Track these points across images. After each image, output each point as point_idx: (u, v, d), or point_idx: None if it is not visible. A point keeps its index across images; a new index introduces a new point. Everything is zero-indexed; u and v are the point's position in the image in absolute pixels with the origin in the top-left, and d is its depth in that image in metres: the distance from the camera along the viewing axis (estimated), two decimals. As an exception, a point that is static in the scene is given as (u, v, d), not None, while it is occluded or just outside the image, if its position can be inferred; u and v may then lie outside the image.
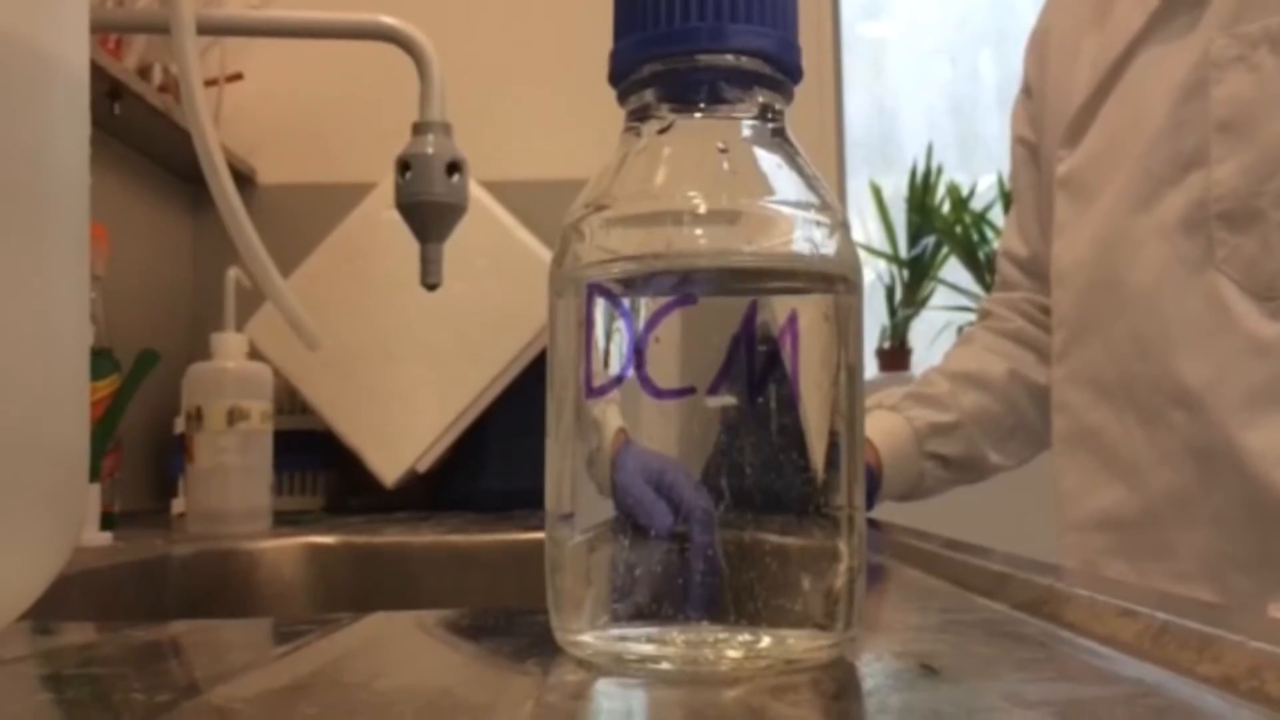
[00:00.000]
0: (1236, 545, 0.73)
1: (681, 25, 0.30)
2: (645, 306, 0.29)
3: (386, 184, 0.97)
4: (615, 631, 0.29)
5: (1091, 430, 0.82)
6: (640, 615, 0.28)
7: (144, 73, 1.18)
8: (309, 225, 1.20)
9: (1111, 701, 0.26)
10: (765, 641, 0.28)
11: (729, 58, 0.30)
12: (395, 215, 0.85)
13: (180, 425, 1.00)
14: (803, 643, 0.28)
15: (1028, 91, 0.98)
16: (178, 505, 1.04)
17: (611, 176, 0.31)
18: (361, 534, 0.88)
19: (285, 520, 0.97)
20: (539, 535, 0.31)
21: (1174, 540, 0.76)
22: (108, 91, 1.07)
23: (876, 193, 1.88)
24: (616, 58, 0.32)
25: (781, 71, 0.31)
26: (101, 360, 0.81)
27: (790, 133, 0.32)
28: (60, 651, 0.35)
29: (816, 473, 0.29)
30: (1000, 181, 1.79)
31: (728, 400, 0.28)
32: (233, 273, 0.96)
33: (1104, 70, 0.83)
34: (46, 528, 0.26)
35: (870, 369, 1.72)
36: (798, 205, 0.30)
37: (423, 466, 1.12)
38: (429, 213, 0.84)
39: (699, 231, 0.30)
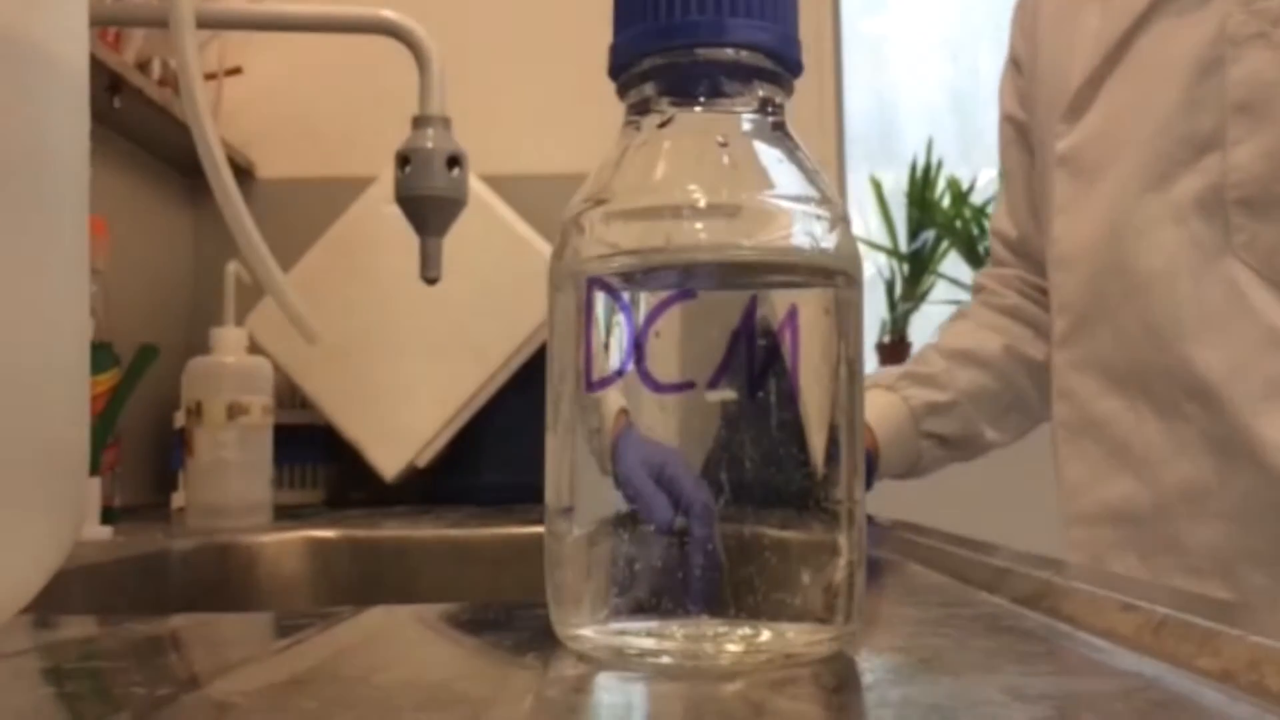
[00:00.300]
0: (1253, 540, 0.71)
1: (681, 19, 0.30)
2: (645, 301, 0.29)
3: (386, 178, 0.97)
4: (615, 626, 0.29)
5: (1099, 420, 0.80)
6: (640, 609, 0.28)
7: (143, 66, 1.18)
8: (309, 219, 1.20)
9: (1111, 696, 0.26)
10: (765, 635, 0.28)
11: (729, 52, 0.30)
12: (395, 209, 0.85)
13: (180, 420, 1.00)
14: (803, 637, 0.29)
15: (1016, 65, 0.94)
16: (178, 499, 1.04)
17: (611, 171, 0.31)
18: (361, 528, 0.88)
19: (285, 514, 0.97)
20: (539, 529, 0.31)
21: (1187, 534, 0.74)
22: (107, 85, 1.07)
23: (877, 187, 1.88)
24: (616, 51, 0.32)
25: (782, 66, 0.31)
26: (101, 354, 0.81)
27: (790, 127, 0.32)
28: (61, 645, 0.35)
29: (816, 467, 0.29)
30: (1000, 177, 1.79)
31: (727, 395, 0.28)
32: (232, 267, 0.96)
33: (1110, 43, 0.79)
34: (46, 522, 0.26)
35: (870, 363, 1.72)
36: (798, 199, 0.30)
37: (423, 461, 1.12)
38: (429, 207, 0.84)
39: (699, 226, 0.30)
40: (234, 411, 0.90)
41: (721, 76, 0.31)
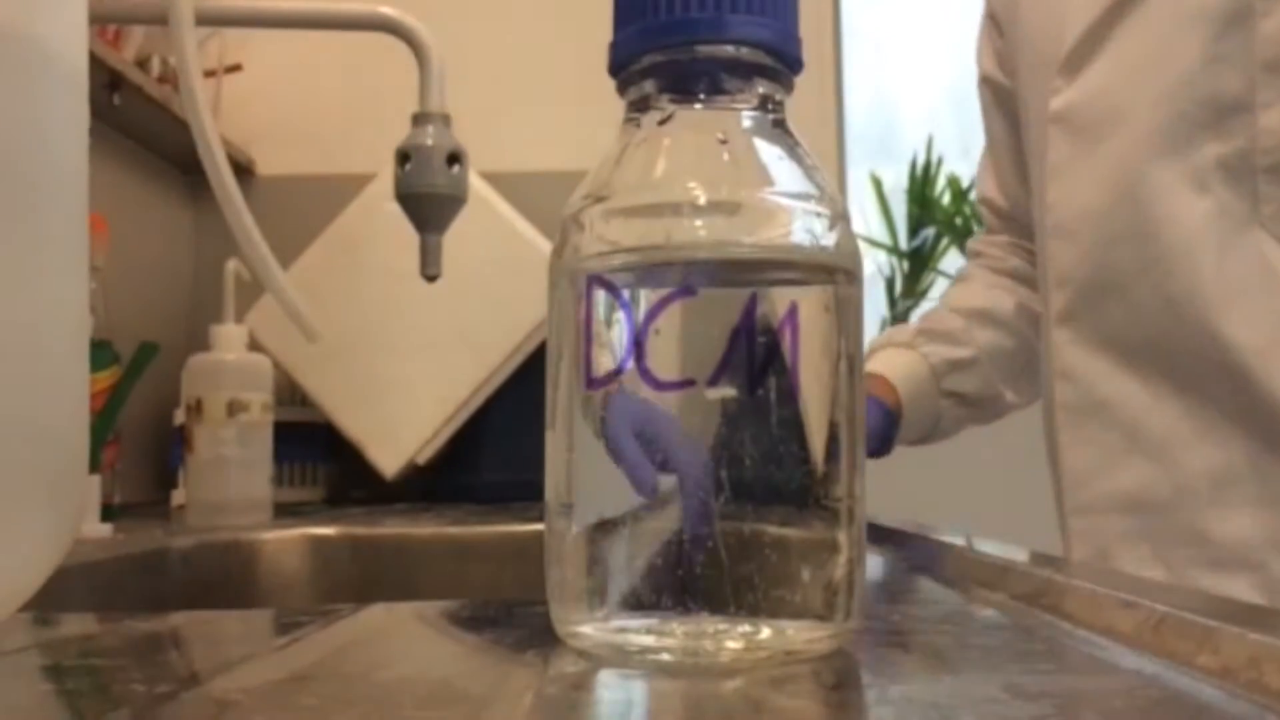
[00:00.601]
0: None
1: (682, 15, 0.30)
2: (645, 298, 0.29)
3: (386, 175, 0.97)
4: (615, 623, 0.29)
5: (1107, 402, 0.73)
6: (640, 606, 0.28)
7: (143, 64, 1.18)
8: (308, 216, 1.20)
9: (1111, 693, 0.26)
10: (765, 633, 0.28)
11: (729, 49, 0.30)
12: (395, 206, 0.85)
13: (180, 417, 1.00)
14: (802, 634, 0.29)
15: (993, 22, 0.88)
16: (178, 497, 1.04)
17: (611, 168, 0.31)
18: (361, 525, 0.88)
19: (285, 512, 0.97)
20: (539, 527, 0.31)
21: (1210, 524, 0.68)
22: (107, 82, 1.07)
23: (877, 184, 1.88)
24: (616, 48, 0.32)
25: (782, 62, 0.31)
26: (101, 352, 0.81)
27: (790, 124, 0.32)
28: (60, 642, 0.35)
29: (816, 464, 0.29)
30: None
31: (727, 392, 0.28)
32: (232, 264, 0.96)
33: None
34: (46, 519, 0.26)
35: (870, 361, 1.71)
36: (798, 197, 0.30)
37: (423, 458, 1.12)
38: (428, 204, 0.84)
39: (699, 223, 0.30)
40: (234, 409, 0.90)
41: (721, 73, 0.31)
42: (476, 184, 1.05)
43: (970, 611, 0.38)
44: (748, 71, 0.31)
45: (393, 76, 0.97)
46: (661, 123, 0.31)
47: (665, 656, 0.28)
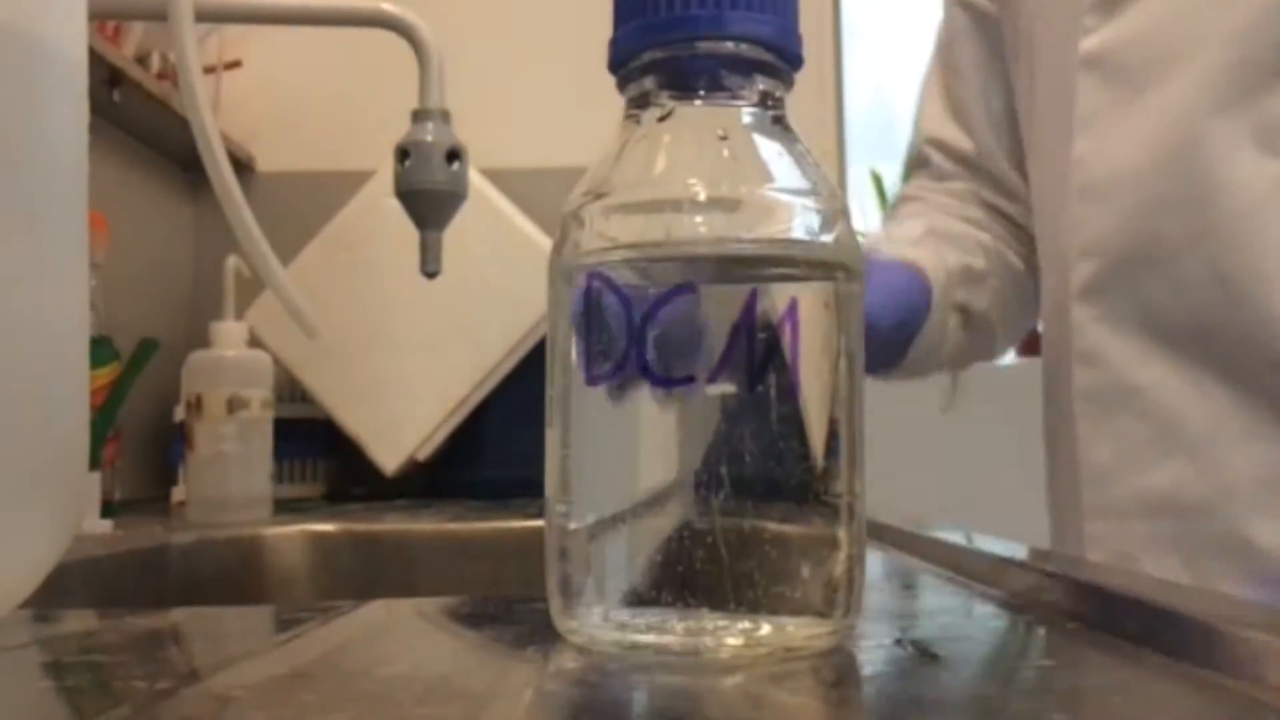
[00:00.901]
0: None
1: (682, 12, 0.30)
2: (645, 294, 0.29)
3: (386, 172, 0.97)
4: (615, 619, 0.29)
5: (1139, 389, 0.63)
6: (640, 603, 0.28)
7: (142, 60, 1.18)
8: (308, 213, 1.20)
9: (1110, 690, 0.26)
10: (765, 629, 0.28)
11: (729, 45, 0.30)
12: (395, 203, 0.85)
13: (180, 413, 1.00)
14: (802, 630, 0.29)
15: None
16: (178, 493, 1.05)
17: (611, 164, 0.31)
18: (361, 522, 0.88)
19: (285, 508, 0.97)
20: (539, 523, 0.31)
21: (1254, 532, 0.60)
22: (106, 79, 1.07)
23: (877, 181, 1.88)
24: (616, 45, 0.32)
25: (782, 59, 0.31)
26: (101, 348, 0.81)
27: (790, 121, 0.32)
28: (61, 639, 0.35)
29: (816, 460, 0.29)
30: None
31: (727, 389, 0.28)
32: (232, 261, 0.96)
33: None
34: (46, 515, 0.26)
35: (870, 357, 1.71)
36: (798, 193, 0.30)
37: (423, 455, 1.12)
38: (428, 200, 0.84)
39: (699, 219, 0.30)
40: (234, 405, 0.90)
41: (721, 70, 0.31)
42: (476, 180, 1.05)
43: (970, 608, 0.38)
44: (748, 68, 0.31)
45: (392, 73, 0.97)
46: (661, 119, 0.31)
47: (665, 653, 0.28)
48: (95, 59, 1.02)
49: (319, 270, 1.13)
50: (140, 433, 1.16)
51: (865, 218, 1.90)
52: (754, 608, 0.28)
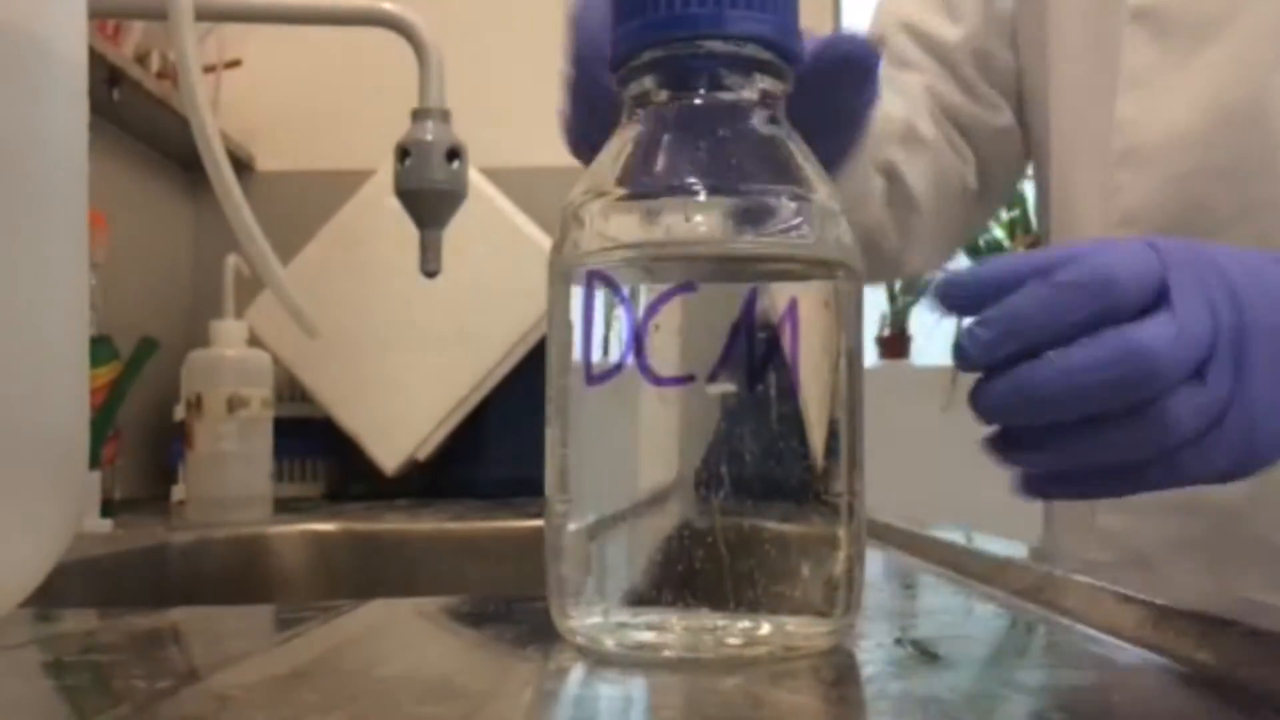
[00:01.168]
0: None
1: (682, 11, 0.30)
2: (645, 293, 0.29)
3: (385, 171, 0.97)
4: (615, 619, 0.29)
5: None
6: (640, 602, 0.28)
7: (142, 59, 1.18)
8: (308, 212, 1.20)
9: (1109, 688, 0.26)
10: (765, 628, 0.28)
11: (729, 44, 0.30)
12: (394, 202, 0.85)
13: (180, 412, 1.00)
14: (802, 629, 0.29)
15: None
16: (178, 492, 1.04)
17: (611, 163, 0.31)
18: (361, 521, 0.88)
19: (285, 507, 0.97)
20: (539, 522, 0.31)
21: None
22: (106, 78, 1.07)
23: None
24: (616, 44, 0.32)
25: (782, 58, 0.31)
26: (101, 347, 0.81)
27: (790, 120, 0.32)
28: (61, 638, 0.35)
29: (816, 460, 0.29)
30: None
31: (727, 388, 0.28)
32: (232, 260, 0.96)
33: None
34: (47, 515, 0.26)
35: (870, 356, 1.72)
36: (798, 192, 0.30)
37: (423, 454, 1.12)
38: (428, 200, 0.84)
39: (699, 219, 0.30)
40: (234, 404, 0.90)
41: (722, 69, 0.31)
42: (476, 179, 1.05)
43: (969, 607, 0.38)
44: (748, 67, 0.31)
45: (392, 72, 0.97)
46: (662, 118, 0.31)
47: (665, 652, 0.28)
48: (95, 59, 1.02)
49: (319, 269, 1.13)
50: (140, 432, 1.16)
51: (865, 217, 1.90)
52: (754, 607, 0.28)
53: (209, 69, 1.32)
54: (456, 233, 0.87)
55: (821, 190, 0.30)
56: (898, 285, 1.80)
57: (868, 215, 0.65)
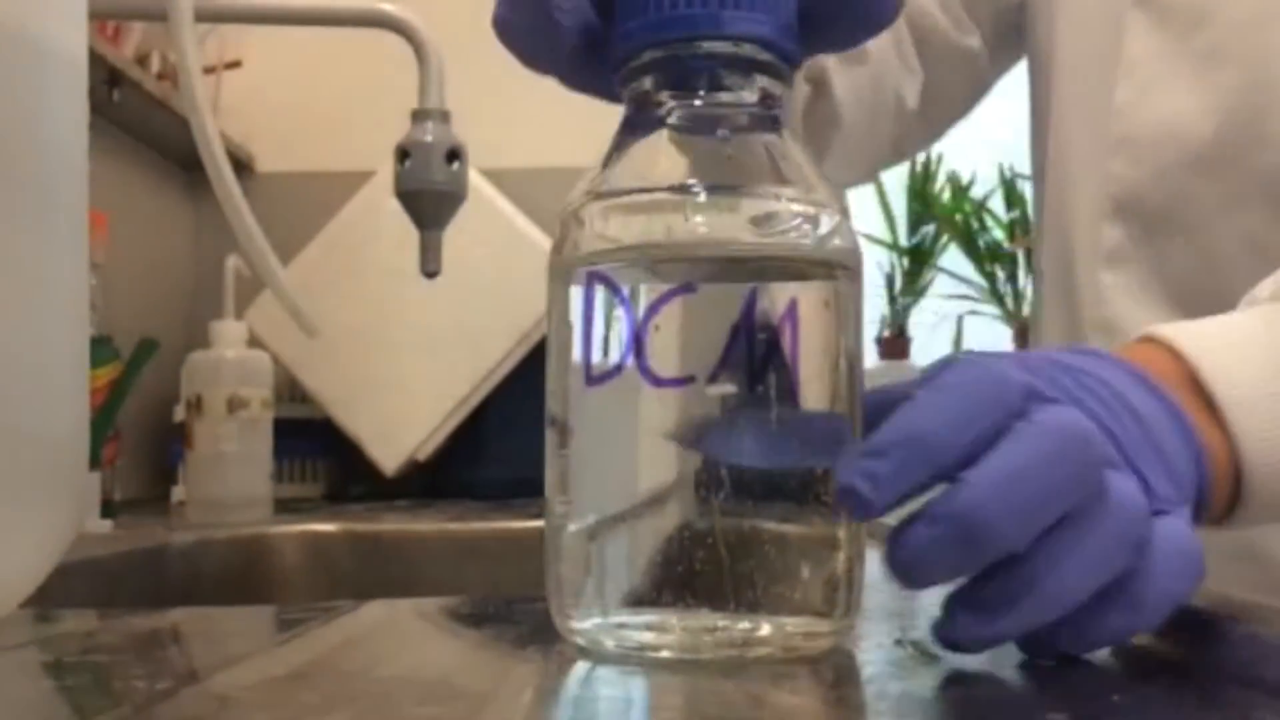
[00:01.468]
0: None
1: (681, 11, 0.30)
2: (645, 294, 0.29)
3: (386, 172, 0.97)
4: (615, 619, 0.29)
5: None
6: (640, 603, 0.28)
7: (142, 60, 1.18)
8: (308, 213, 1.20)
9: (1109, 689, 0.26)
10: (765, 629, 0.28)
11: (728, 44, 0.30)
12: (394, 203, 0.85)
13: (180, 413, 1.00)
14: (802, 630, 0.29)
15: None
16: (178, 493, 1.04)
17: (611, 164, 0.31)
18: (361, 522, 0.88)
19: (285, 508, 0.97)
20: (539, 523, 0.31)
21: (1271, 542, 0.55)
22: (106, 79, 1.07)
23: (876, 180, 1.88)
24: (616, 44, 0.32)
25: (781, 58, 0.31)
26: (101, 348, 0.81)
27: (790, 120, 0.32)
28: (61, 639, 0.35)
29: (816, 461, 0.29)
30: (1001, 170, 1.79)
31: (728, 389, 0.28)
32: (232, 261, 0.96)
33: None
34: (47, 515, 0.26)
35: (870, 357, 1.71)
36: (798, 192, 0.30)
37: (423, 455, 1.12)
38: (428, 201, 0.84)
39: (699, 219, 0.30)
40: (234, 405, 0.90)
41: (721, 69, 0.31)
42: (476, 180, 1.05)
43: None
44: (747, 67, 0.31)
45: (392, 73, 0.97)
46: (661, 119, 0.31)
47: (665, 653, 0.28)
48: (95, 59, 1.02)
49: (319, 270, 1.13)
50: (140, 433, 1.16)
51: (865, 217, 1.91)
52: (754, 608, 0.28)
53: (209, 70, 1.32)
54: (456, 234, 0.87)
55: (821, 191, 0.30)
56: (897, 286, 1.80)
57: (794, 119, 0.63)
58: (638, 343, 0.29)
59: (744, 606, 0.28)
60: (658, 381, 0.28)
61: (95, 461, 0.78)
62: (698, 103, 0.31)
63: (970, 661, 0.28)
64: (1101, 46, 0.62)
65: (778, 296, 0.29)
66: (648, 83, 0.31)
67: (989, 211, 1.81)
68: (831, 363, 0.29)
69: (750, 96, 0.31)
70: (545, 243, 0.85)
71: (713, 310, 0.29)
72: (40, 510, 0.26)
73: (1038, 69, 0.70)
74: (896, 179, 1.88)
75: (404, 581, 0.84)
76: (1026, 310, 1.68)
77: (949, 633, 0.28)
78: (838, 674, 0.28)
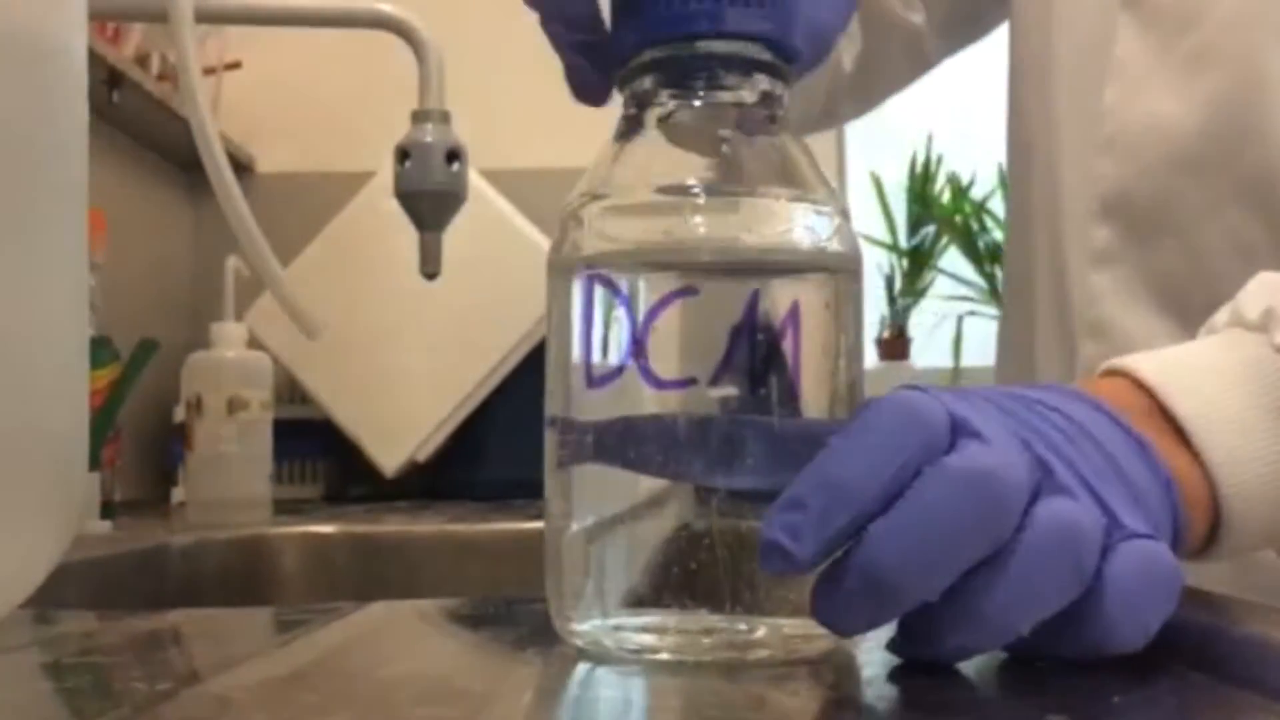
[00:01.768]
0: None
1: (681, 10, 0.30)
2: (645, 296, 0.29)
3: (385, 173, 0.97)
4: (614, 621, 0.29)
5: None
6: (639, 604, 0.28)
7: (142, 61, 1.18)
8: (308, 214, 1.20)
9: (1109, 689, 0.26)
10: (763, 630, 0.28)
11: (729, 43, 0.30)
12: (394, 204, 0.85)
13: (180, 414, 1.00)
14: (801, 631, 0.28)
15: None
16: (177, 494, 1.05)
17: (611, 164, 0.31)
18: (361, 523, 0.88)
19: (285, 509, 0.97)
20: (539, 524, 0.31)
21: None
22: (106, 79, 1.07)
23: (876, 181, 1.88)
24: (616, 44, 0.32)
25: (782, 57, 0.31)
26: (101, 349, 0.81)
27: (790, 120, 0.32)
28: (61, 640, 0.35)
29: (816, 462, 0.29)
30: (1000, 171, 1.79)
31: (729, 391, 0.28)
32: (232, 261, 0.96)
33: None
34: (46, 516, 0.26)
35: (870, 358, 1.71)
36: (798, 194, 0.30)
37: (422, 456, 1.12)
38: (428, 201, 0.84)
39: (699, 220, 0.29)
40: (234, 406, 0.90)
41: (721, 69, 0.31)
42: (476, 181, 1.05)
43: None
44: (747, 67, 0.31)
45: (392, 74, 0.97)
46: (661, 119, 0.31)
47: (664, 655, 0.28)
48: (95, 60, 1.02)
49: (319, 271, 1.13)
50: (140, 433, 1.16)
51: (864, 218, 1.90)
52: (753, 609, 0.28)
53: (209, 71, 1.32)
54: (456, 235, 0.87)
55: (821, 192, 0.30)
56: (897, 287, 1.80)
57: None
58: (638, 345, 0.28)
59: (743, 608, 0.28)
60: (659, 384, 0.28)
61: (95, 462, 0.78)
62: (697, 102, 0.31)
63: (970, 663, 0.28)
64: (1091, 48, 0.62)
65: (779, 298, 0.29)
66: (648, 82, 0.31)
67: (989, 212, 1.81)
68: (832, 364, 0.29)
69: (750, 96, 0.31)
70: (545, 243, 0.85)
71: (713, 312, 0.29)
72: (40, 511, 0.26)
73: (1022, 70, 0.70)
74: (896, 180, 1.88)
75: (404, 582, 0.84)
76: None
77: (897, 651, 0.29)
78: (838, 675, 0.28)
